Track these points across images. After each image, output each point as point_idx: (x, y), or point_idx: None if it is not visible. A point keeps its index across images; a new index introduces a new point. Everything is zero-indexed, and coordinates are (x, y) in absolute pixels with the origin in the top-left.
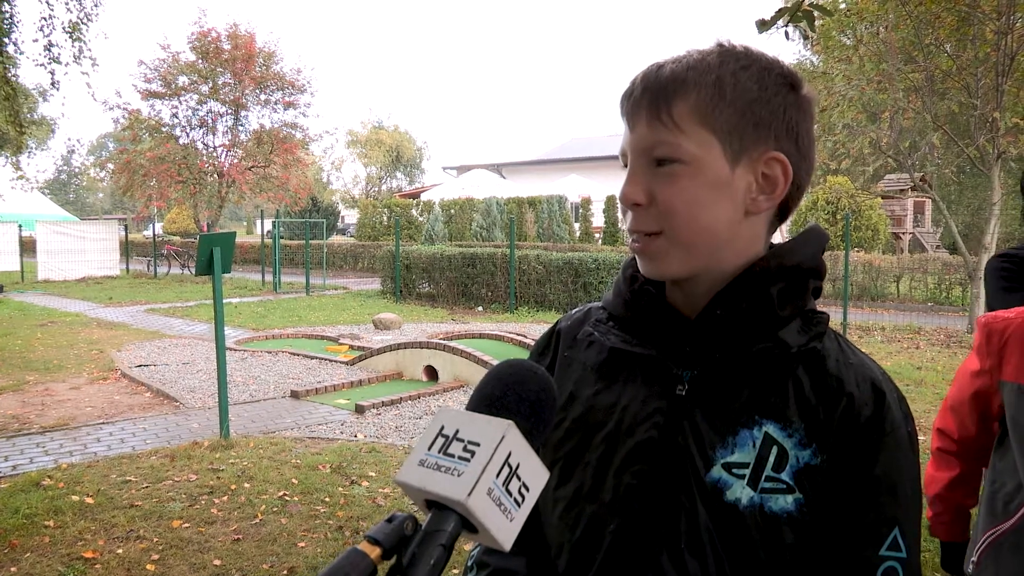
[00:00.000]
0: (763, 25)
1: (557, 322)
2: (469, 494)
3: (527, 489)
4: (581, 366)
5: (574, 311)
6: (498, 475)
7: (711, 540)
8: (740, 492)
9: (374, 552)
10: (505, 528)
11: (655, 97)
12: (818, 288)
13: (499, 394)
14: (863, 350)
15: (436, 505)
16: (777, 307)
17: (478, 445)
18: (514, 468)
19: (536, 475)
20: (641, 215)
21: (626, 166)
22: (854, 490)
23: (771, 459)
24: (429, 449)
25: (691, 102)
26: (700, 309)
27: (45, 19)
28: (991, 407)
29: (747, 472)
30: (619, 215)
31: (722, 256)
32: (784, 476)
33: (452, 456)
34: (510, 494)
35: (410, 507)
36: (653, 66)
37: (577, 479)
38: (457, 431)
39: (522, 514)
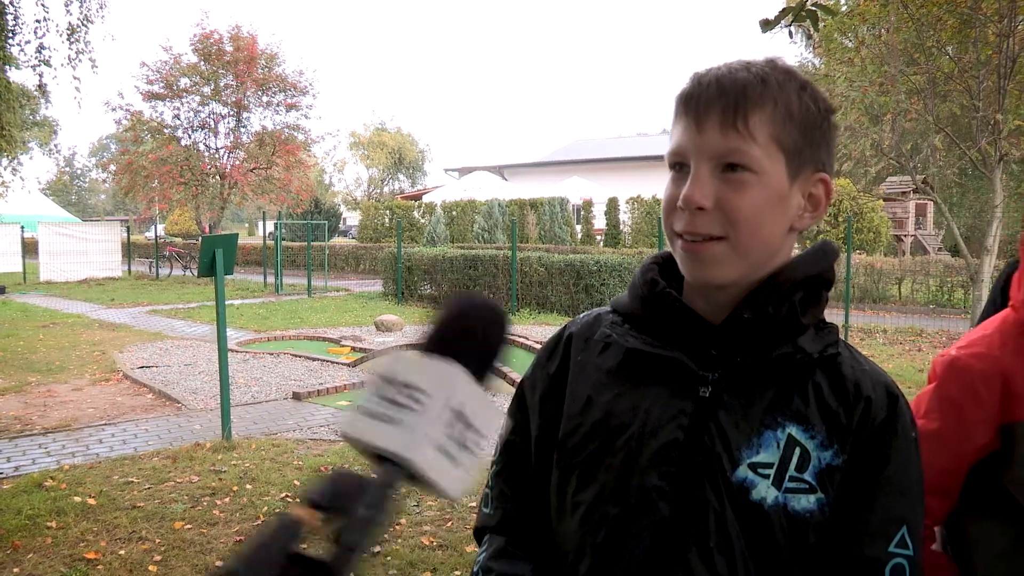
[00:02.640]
0: (767, 25)
1: (566, 326)
2: (411, 445)
3: (479, 435)
4: (596, 370)
5: (582, 316)
6: (444, 423)
7: (738, 538)
8: (765, 491)
9: (311, 513)
10: (453, 479)
11: (732, 103)
12: (826, 299)
13: (446, 334)
14: (865, 352)
15: (381, 458)
16: (800, 314)
17: (423, 392)
18: (462, 414)
19: (489, 421)
20: (703, 219)
21: (676, 166)
22: (867, 489)
23: (794, 459)
24: (372, 398)
25: (767, 115)
26: (721, 313)
27: (40, 22)
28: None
29: (772, 472)
30: (662, 215)
31: (764, 266)
32: (807, 476)
33: (396, 404)
34: (459, 443)
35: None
36: (722, 70)
37: (598, 483)
38: (402, 378)
39: (474, 462)
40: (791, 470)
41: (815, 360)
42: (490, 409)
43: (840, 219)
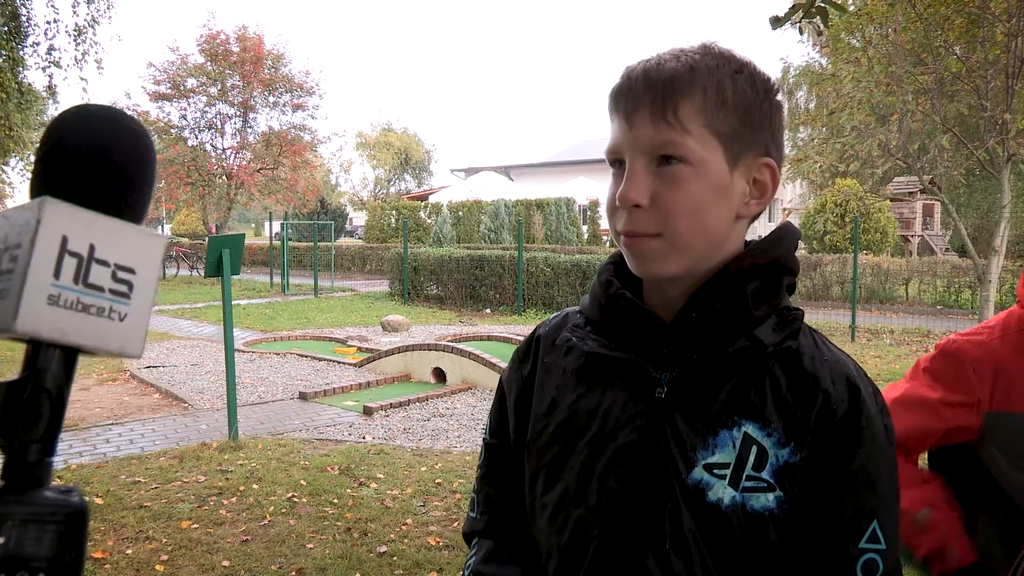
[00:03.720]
0: (777, 22)
1: (536, 328)
2: (16, 316)
3: (128, 271)
4: (561, 371)
5: (552, 317)
6: (58, 273)
7: (695, 540)
8: (722, 492)
9: None
10: (114, 334)
11: (661, 95)
12: (792, 285)
13: (46, 166)
14: (872, 353)
15: (31, 343)
16: (752, 306)
17: (19, 246)
18: (86, 253)
19: (135, 249)
20: (640, 216)
21: (615, 164)
22: (833, 485)
23: (751, 458)
24: None
25: (697, 103)
26: (677, 311)
27: (50, 23)
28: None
29: (728, 472)
30: (607, 215)
31: (712, 257)
32: (764, 475)
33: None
34: (98, 288)
35: (432, 492)
36: (651, 62)
37: (562, 484)
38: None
39: (138, 305)
40: (748, 469)
41: (772, 353)
42: (130, 234)
43: (847, 219)
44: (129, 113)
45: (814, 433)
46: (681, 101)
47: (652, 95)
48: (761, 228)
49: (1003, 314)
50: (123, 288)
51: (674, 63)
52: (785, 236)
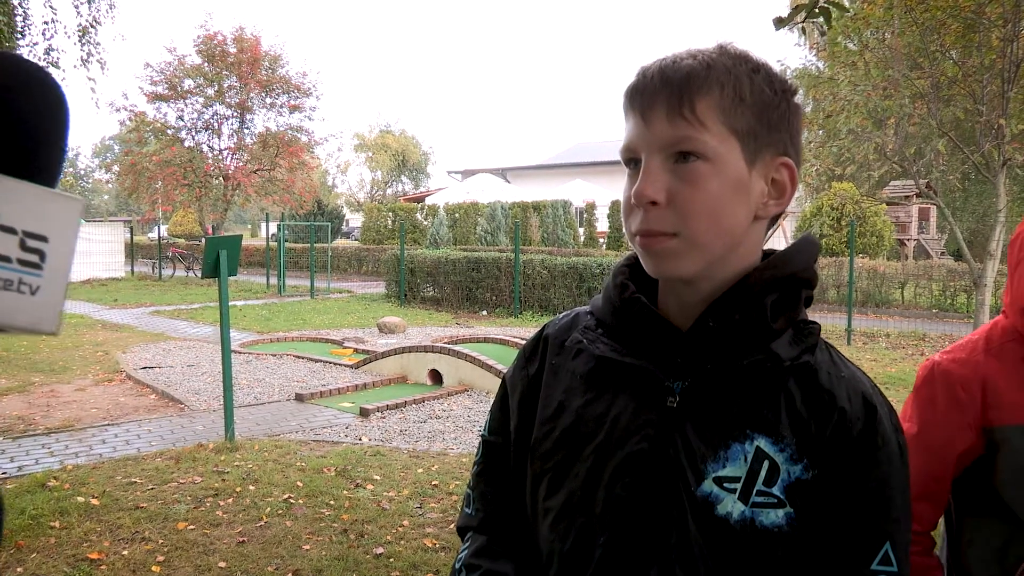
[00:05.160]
0: (780, 22)
1: (544, 327)
2: None
3: (40, 239)
4: (569, 375)
5: (560, 316)
6: None
7: (702, 554)
8: (731, 506)
9: None
10: (24, 308)
11: (677, 91)
12: (809, 297)
13: None
14: (868, 356)
15: None
16: (770, 319)
17: None
18: None
19: (47, 214)
20: (656, 215)
21: (630, 163)
22: (845, 504)
23: (762, 473)
24: None
25: (714, 99)
26: (693, 318)
27: (48, 23)
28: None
29: (738, 486)
30: (622, 215)
31: (729, 259)
32: (775, 490)
33: None
34: (3, 259)
35: (432, 489)
36: (667, 60)
37: (567, 490)
38: None
39: (52, 276)
40: (759, 484)
41: (788, 368)
42: (39, 202)
43: (843, 223)
44: (32, 60)
45: (828, 450)
46: (698, 97)
47: (668, 91)
48: None
49: (987, 326)
50: (34, 258)
51: (691, 61)
52: (806, 248)
